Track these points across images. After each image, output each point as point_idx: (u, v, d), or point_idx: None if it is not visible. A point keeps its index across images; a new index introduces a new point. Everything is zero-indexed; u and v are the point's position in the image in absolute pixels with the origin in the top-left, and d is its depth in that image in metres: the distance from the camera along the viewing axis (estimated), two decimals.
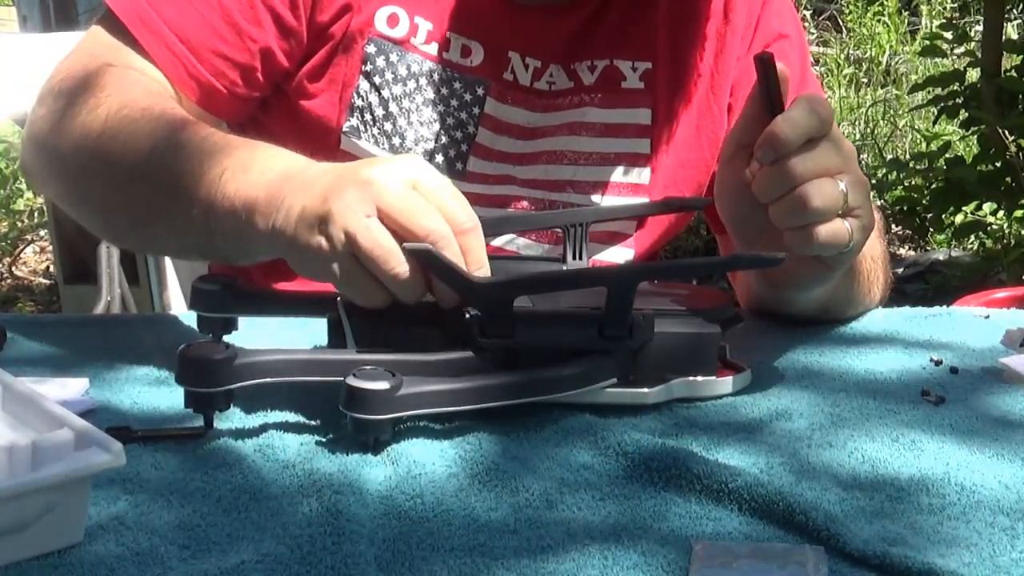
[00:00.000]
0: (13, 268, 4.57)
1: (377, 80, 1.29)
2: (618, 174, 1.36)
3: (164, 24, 1.24)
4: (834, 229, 1.03)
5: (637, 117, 1.36)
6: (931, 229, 4.43)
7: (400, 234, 0.94)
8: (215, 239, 1.07)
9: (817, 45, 6.56)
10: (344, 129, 1.31)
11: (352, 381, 0.91)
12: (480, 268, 0.97)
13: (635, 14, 1.35)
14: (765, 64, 1.05)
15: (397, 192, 0.95)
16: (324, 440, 0.94)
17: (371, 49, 1.29)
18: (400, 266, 0.94)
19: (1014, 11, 5.16)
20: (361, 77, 1.30)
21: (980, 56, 4.20)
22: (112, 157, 1.16)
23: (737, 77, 1.39)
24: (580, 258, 1.18)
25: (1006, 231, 4.21)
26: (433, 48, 1.31)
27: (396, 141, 1.31)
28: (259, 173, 1.04)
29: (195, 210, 1.07)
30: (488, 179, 1.33)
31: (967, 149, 4.78)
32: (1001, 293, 2.26)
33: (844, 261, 1.09)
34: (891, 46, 6.55)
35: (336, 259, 0.95)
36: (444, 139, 1.32)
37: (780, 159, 1.02)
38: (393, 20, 1.30)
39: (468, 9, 1.32)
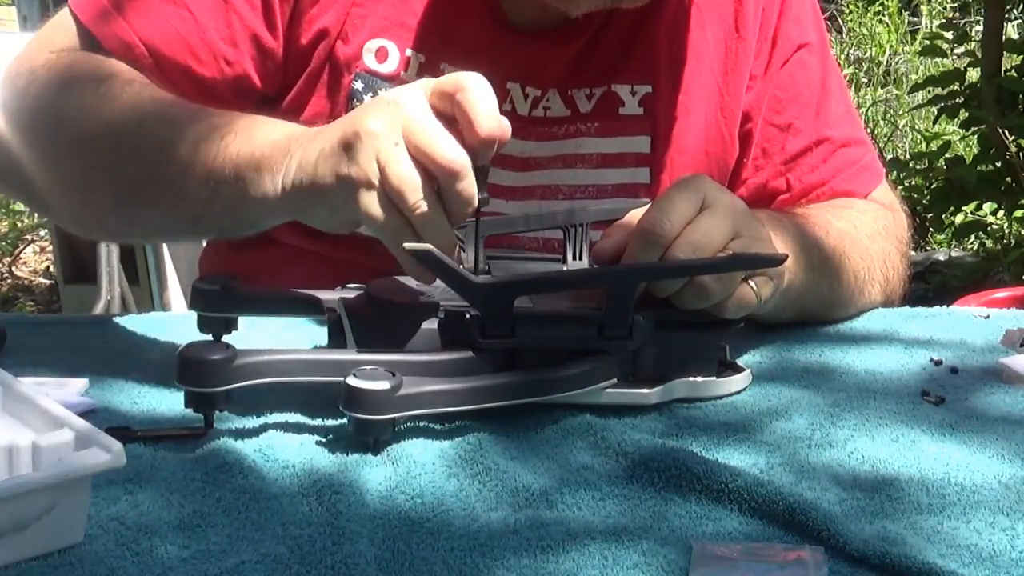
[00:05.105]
0: (13, 268, 4.57)
1: None
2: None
3: (136, 35, 1.21)
4: (740, 297, 1.01)
5: (635, 145, 1.32)
6: (931, 229, 4.43)
7: (422, 162, 0.92)
8: (212, 207, 1.04)
9: None
10: None
11: (352, 381, 0.91)
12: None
13: (635, 35, 1.30)
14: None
15: (421, 117, 0.92)
16: (324, 440, 0.94)
17: (358, 85, 1.26)
18: (421, 200, 0.91)
19: (1014, 11, 5.16)
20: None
21: (980, 56, 4.20)
22: (93, 135, 1.12)
23: (754, 101, 1.35)
24: (580, 258, 1.18)
25: (1006, 231, 4.22)
26: None
27: None
28: (263, 135, 1.01)
29: (190, 180, 1.04)
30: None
31: (967, 149, 4.78)
32: (1001, 293, 2.26)
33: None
34: (891, 46, 6.55)
35: (367, 188, 0.93)
36: None
37: (665, 253, 0.98)
38: (382, 54, 1.26)
39: (463, 38, 1.27)
